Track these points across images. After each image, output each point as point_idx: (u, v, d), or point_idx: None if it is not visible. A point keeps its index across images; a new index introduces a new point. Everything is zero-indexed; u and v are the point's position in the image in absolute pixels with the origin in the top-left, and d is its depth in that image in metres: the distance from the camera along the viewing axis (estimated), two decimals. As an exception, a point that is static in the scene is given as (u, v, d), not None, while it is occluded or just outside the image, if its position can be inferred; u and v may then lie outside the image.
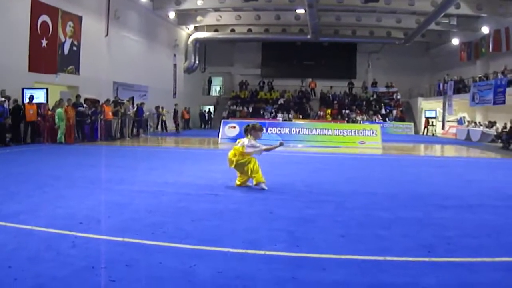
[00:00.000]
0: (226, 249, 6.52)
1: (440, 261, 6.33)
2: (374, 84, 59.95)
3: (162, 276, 5.50)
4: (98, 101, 29.91)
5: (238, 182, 12.36)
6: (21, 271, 5.52)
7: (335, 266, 6.02)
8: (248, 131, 12.55)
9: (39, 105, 25.82)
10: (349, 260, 6.27)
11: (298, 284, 5.36)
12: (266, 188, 11.82)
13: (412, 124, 53.19)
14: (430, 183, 13.96)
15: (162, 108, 43.12)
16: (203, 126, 57.06)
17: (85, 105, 28.74)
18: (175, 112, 45.82)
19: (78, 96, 29.08)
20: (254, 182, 12.06)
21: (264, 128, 13.21)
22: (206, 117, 58.49)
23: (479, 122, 41.93)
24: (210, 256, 6.29)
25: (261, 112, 54.69)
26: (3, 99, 23.90)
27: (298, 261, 6.18)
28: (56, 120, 25.66)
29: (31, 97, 25.20)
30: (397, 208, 9.87)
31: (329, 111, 54.23)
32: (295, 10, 46.90)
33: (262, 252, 6.47)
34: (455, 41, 49.18)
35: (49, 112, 26.24)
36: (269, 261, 6.13)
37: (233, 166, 12.37)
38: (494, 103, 37.21)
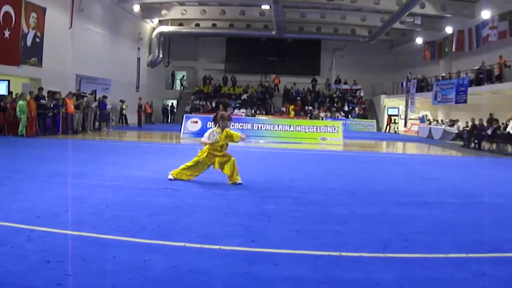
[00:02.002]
0: (181, 244, 6.56)
1: (395, 256, 6.44)
2: (338, 81, 60.15)
3: (117, 270, 5.52)
4: (59, 93, 29.59)
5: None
6: (-26, 265, 5.50)
7: (289, 261, 6.09)
8: (216, 120, 12.43)
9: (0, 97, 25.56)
10: (303, 255, 6.36)
11: (251, 279, 5.42)
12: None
13: (375, 121, 53.79)
14: (389, 180, 14.17)
15: (123, 101, 42.92)
16: (165, 120, 56.81)
17: (46, 98, 28.45)
18: (139, 106, 45.55)
19: (40, 89, 28.73)
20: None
21: (232, 118, 13.03)
22: (169, 112, 58.22)
23: (441, 121, 42.39)
24: (165, 250, 6.32)
25: (227, 107, 54.54)
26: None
27: (252, 256, 6.24)
28: (18, 113, 25.39)
29: (-10, 89, 24.97)
30: (354, 204, 10.00)
31: (292, 107, 54.35)
32: (260, 6, 46.95)
33: (217, 247, 6.51)
34: (419, 40, 49.66)
35: (11, 105, 25.95)
36: (224, 256, 6.18)
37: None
38: (456, 102, 37.64)
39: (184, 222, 7.84)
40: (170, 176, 12.17)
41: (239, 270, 5.66)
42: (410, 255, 6.52)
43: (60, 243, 6.46)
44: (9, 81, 26.67)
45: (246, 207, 9.20)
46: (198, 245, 6.54)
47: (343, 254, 6.41)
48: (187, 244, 6.55)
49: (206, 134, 12.32)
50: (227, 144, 12.38)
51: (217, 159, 12.22)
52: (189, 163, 12.28)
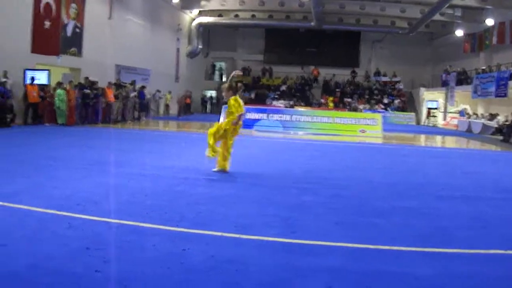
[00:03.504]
0: (219, 233, 6.57)
1: (434, 251, 6.36)
2: (377, 73, 59.68)
3: (155, 258, 5.55)
4: (96, 82, 29.80)
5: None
6: (16, 250, 5.58)
7: (328, 253, 6.08)
8: (238, 89, 12.55)
9: (41, 86, 25.80)
10: (342, 248, 6.31)
11: (290, 270, 5.40)
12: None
13: (414, 114, 53.14)
14: (428, 174, 14.00)
15: (170, 92, 43.37)
16: (204, 111, 56.89)
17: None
18: (184, 96, 45.86)
19: (86, 78, 29.06)
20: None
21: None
22: (208, 102, 58.32)
23: (481, 114, 41.82)
24: (203, 239, 6.34)
25: (264, 99, 54.49)
26: (4, 79, 23.91)
27: (291, 247, 6.22)
28: (56, 102, 25.64)
29: (32, 78, 25.18)
30: (393, 197, 9.93)
31: (331, 99, 54.04)
32: (300, -3, 46.79)
33: (255, 237, 6.51)
34: (459, 33, 48.64)
35: (50, 93, 26.18)
36: (262, 246, 6.19)
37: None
38: (496, 95, 37.14)
39: (222, 212, 7.86)
40: (214, 169, 12.07)
41: (277, 261, 5.65)
42: (450, 250, 6.43)
43: (100, 231, 6.53)
44: (49, 71, 26.87)
45: (284, 198, 9.19)
46: (236, 235, 6.54)
47: (382, 247, 6.36)
48: (225, 234, 6.56)
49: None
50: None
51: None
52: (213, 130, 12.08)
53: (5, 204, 7.74)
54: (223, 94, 12.68)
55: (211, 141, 11.91)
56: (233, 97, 12.07)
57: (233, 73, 12.72)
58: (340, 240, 6.56)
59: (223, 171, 11.98)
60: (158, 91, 41.65)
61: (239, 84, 12.71)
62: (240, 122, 12.20)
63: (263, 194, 9.50)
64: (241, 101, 12.20)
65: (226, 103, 12.58)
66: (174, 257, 5.61)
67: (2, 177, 10.04)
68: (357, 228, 7.30)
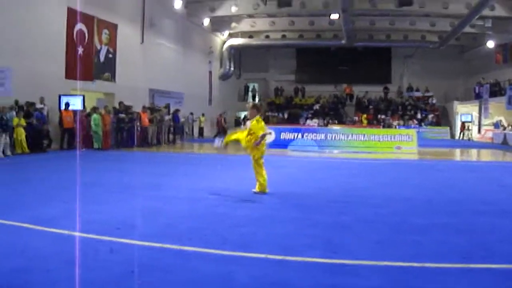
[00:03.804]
0: (263, 255, 6.51)
1: (477, 267, 6.25)
2: (410, 88, 59.36)
3: (201, 281, 5.53)
4: (131, 107, 30.08)
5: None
6: (60, 275, 5.60)
7: (371, 273, 6.00)
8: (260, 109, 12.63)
9: (75, 111, 26.06)
10: (384, 267, 6.24)
11: (335, 291, 5.33)
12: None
13: (448, 128, 52.63)
14: (466, 189, 13.86)
15: (203, 114, 43.65)
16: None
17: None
18: (223, 119, 46.21)
19: (120, 103, 29.35)
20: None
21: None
22: (242, 123, 58.33)
23: (517, 126, 41.43)
24: (248, 261, 6.30)
25: (297, 118, 54.44)
26: (41, 105, 24.21)
27: (334, 268, 6.17)
28: (92, 126, 25.89)
29: (67, 104, 25.48)
30: (433, 213, 9.80)
31: (364, 116, 53.81)
32: (329, 16, 46.58)
33: (299, 258, 6.44)
34: (490, 44, 48.13)
35: (86, 119, 26.47)
36: (306, 268, 6.12)
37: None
38: (531, 105, 36.76)
39: (264, 234, 7.81)
40: (255, 190, 12.07)
41: (322, 282, 5.60)
42: (493, 266, 6.31)
43: (142, 254, 6.51)
44: (84, 96, 27.15)
45: (324, 218, 9.10)
46: (280, 257, 6.47)
47: (425, 265, 6.27)
48: (269, 256, 6.49)
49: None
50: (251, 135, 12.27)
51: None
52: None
53: (46, 229, 7.84)
54: (248, 113, 12.66)
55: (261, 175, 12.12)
56: (256, 117, 12.16)
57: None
58: (383, 259, 6.48)
59: (263, 192, 11.94)
60: (191, 114, 41.84)
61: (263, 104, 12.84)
62: (263, 142, 12.19)
63: (303, 214, 9.43)
64: (263, 123, 12.31)
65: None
66: (220, 280, 5.58)
67: (42, 202, 10.17)
68: (398, 246, 7.22)
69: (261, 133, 11.93)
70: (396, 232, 8.14)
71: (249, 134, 12.19)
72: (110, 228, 7.91)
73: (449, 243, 7.40)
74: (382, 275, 5.90)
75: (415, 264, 6.28)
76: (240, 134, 12.57)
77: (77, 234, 7.47)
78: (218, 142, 12.87)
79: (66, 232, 7.61)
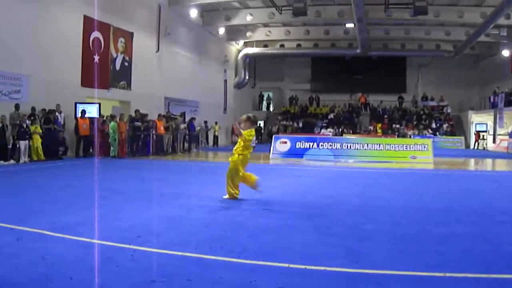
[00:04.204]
0: (285, 265, 6.47)
1: (501, 277, 6.18)
2: (424, 97, 59.28)
3: (223, 290, 5.48)
4: (146, 115, 30.21)
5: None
6: (82, 283, 5.58)
7: (395, 283, 5.93)
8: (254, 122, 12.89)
9: (91, 119, 26.19)
10: (408, 276, 6.17)
11: (359, 300, 5.31)
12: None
13: (463, 138, 52.47)
14: (484, 198, 13.74)
15: (216, 123, 43.79)
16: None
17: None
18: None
19: (136, 111, 29.48)
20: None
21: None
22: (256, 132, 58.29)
23: (532, 135, 41.21)
24: (270, 271, 6.25)
25: (312, 127, 54.42)
26: (56, 113, 24.37)
27: (358, 277, 6.11)
28: (111, 134, 26.05)
29: (83, 112, 25.63)
30: (452, 223, 9.72)
31: (379, 125, 53.74)
32: (344, 25, 46.63)
33: (321, 268, 6.38)
34: (506, 53, 47.78)
35: (105, 126, 26.64)
36: (329, 277, 6.07)
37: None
38: (547, 115, 36.59)
39: (285, 243, 7.76)
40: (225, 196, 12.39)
41: (346, 292, 5.55)
42: (516, 276, 6.25)
43: (164, 263, 6.49)
44: (99, 104, 27.29)
45: (345, 227, 9.06)
46: (302, 266, 6.43)
47: (448, 274, 6.19)
48: (291, 265, 6.45)
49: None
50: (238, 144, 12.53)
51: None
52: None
53: (66, 236, 7.83)
54: (241, 125, 12.67)
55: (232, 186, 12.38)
56: (249, 130, 12.39)
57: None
58: (406, 269, 6.42)
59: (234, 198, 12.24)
60: (205, 122, 41.91)
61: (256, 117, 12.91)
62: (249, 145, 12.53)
63: (322, 223, 9.38)
64: (253, 133, 12.70)
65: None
66: (243, 289, 5.53)
67: (61, 210, 10.20)
68: (420, 255, 7.14)
69: (246, 138, 12.26)
70: (417, 241, 8.06)
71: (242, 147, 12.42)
72: (131, 236, 7.90)
73: (471, 253, 7.32)
74: (406, 285, 5.85)
75: (438, 274, 6.21)
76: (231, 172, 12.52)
77: (98, 241, 7.48)
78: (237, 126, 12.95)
79: (86, 239, 7.62)
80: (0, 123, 21.37)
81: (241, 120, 12.79)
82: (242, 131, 12.25)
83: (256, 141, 35.54)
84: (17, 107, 22.53)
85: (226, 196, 12.31)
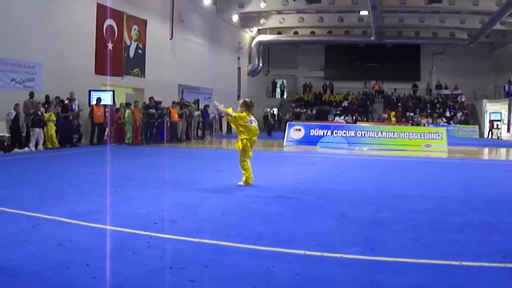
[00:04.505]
0: (301, 252, 6.48)
1: (517, 267, 6.15)
2: (438, 86, 58.99)
3: (240, 277, 5.50)
4: (160, 102, 30.24)
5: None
6: (99, 270, 5.59)
7: (412, 270, 5.93)
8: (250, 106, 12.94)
9: (105, 107, 26.23)
10: (424, 264, 6.17)
11: (376, 287, 5.30)
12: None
13: (477, 127, 52.23)
14: (499, 188, 13.67)
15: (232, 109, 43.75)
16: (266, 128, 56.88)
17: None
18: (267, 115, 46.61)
19: (151, 99, 29.50)
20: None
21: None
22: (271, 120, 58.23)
23: (546, 124, 40.93)
24: (286, 258, 6.25)
25: (326, 115, 54.26)
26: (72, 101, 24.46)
27: (374, 265, 6.11)
28: (126, 121, 26.14)
29: (99, 99, 25.67)
30: (468, 212, 9.68)
31: (393, 113, 53.41)
32: (358, 12, 46.53)
33: (338, 255, 6.39)
34: (521, 41, 47.86)
35: (120, 114, 26.68)
36: (346, 264, 6.07)
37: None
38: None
39: (301, 230, 7.77)
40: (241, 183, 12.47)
41: (363, 279, 5.54)
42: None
43: (181, 250, 6.53)
44: (113, 92, 27.31)
45: (361, 215, 9.06)
46: (319, 253, 6.44)
47: (464, 263, 6.17)
48: (308, 252, 6.46)
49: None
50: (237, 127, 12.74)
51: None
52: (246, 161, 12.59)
53: (82, 223, 7.88)
54: (238, 109, 13.00)
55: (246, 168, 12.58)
56: (245, 112, 12.64)
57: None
58: (422, 257, 6.41)
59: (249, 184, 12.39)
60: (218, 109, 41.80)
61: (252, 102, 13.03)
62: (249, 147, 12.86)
63: (338, 211, 9.39)
64: (246, 117, 12.76)
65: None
66: (259, 276, 5.54)
67: (77, 196, 10.26)
68: (436, 244, 7.13)
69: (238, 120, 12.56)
70: (433, 230, 8.05)
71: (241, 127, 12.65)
72: (147, 223, 7.92)
73: (487, 242, 7.30)
74: (422, 273, 5.84)
75: (455, 263, 6.19)
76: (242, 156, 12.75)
77: (114, 228, 7.52)
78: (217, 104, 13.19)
79: (102, 226, 7.66)
80: (15, 111, 21.44)
81: (239, 104, 13.11)
82: (227, 110, 12.84)
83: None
84: (31, 95, 22.55)
85: (241, 183, 12.39)
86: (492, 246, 7.10)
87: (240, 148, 12.57)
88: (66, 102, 24.52)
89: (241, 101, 13.15)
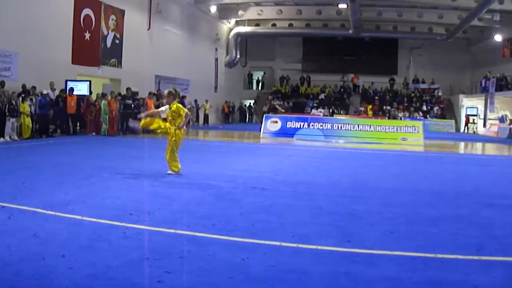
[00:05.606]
0: (277, 243, 6.51)
1: (491, 259, 6.24)
2: (416, 80, 59.26)
3: (216, 268, 5.51)
4: (136, 93, 30.17)
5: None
6: (75, 260, 5.57)
7: (387, 262, 5.99)
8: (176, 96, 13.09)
9: (81, 97, 26.08)
10: (399, 256, 6.23)
11: (351, 279, 5.33)
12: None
13: (453, 121, 52.51)
14: (474, 181, 13.82)
15: (207, 101, 43.94)
16: (243, 120, 56.96)
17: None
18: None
19: (128, 89, 29.39)
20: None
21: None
22: (247, 112, 58.39)
23: (522, 120, 41.26)
24: (262, 249, 6.28)
25: (303, 107, 54.37)
26: (45, 91, 24.21)
27: (349, 257, 6.15)
28: (102, 112, 26.01)
29: (71, 89, 25.47)
30: (443, 205, 9.80)
31: (370, 107, 53.60)
32: (337, 5, 46.47)
33: (313, 246, 6.44)
34: (498, 37, 47.75)
35: (97, 104, 26.54)
36: (321, 256, 6.12)
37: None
38: (538, 101, 36.62)
39: (277, 222, 7.80)
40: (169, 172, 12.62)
41: (338, 270, 5.59)
42: (506, 259, 6.33)
43: (156, 240, 6.53)
44: (90, 82, 27.20)
45: (337, 207, 9.11)
46: (294, 245, 6.48)
47: (439, 256, 6.24)
48: (283, 244, 6.49)
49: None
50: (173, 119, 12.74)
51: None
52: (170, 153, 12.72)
53: (58, 213, 7.83)
54: (165, 100, 13.37)
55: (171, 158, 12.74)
56: (174, 103, 12.75)
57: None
58: (397, 249, 6.48)
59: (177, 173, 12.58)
60: (195, 101, 41.86)
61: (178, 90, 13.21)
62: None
63: (314, 203, 9.42)
64: (181, 106, 13.03)
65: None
66: (235, 267, 5.56)
67: (52, 187, 10.19)
68: (411, 236, 7.21)
69: (182, 114, 12.70)
70: (408, 222, 8.13)
71: (169, 119, 12.73)
72: (123, 214, 7.91)
73: (462, 235, 7.38)
74: (397, 265, 5.89)
75: (429, 255, 6.26)
76: (157, 122, 12.87)
77: (89, 219, 7.50)
78: (133, 124, 13.43)
79: (78, 217, 7.62)
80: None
81: (164, 95, 13.79)
82: (179, 112, 12.72)
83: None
84: (1, 84, 22.21)
85: (170, 172, 12.58)
86: (467, 238, 7.18)
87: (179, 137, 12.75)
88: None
89: (166, 91, 13.31)
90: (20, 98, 22.27)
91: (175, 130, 12.53)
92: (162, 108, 13.10)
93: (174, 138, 12.54)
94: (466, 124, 50.08)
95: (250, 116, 57.80)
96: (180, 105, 12.82)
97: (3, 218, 7.49)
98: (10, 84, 22.65)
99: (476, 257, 6.27)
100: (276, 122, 30.77)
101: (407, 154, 22.93)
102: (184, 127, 12.74)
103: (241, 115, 57.09)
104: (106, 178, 11.69)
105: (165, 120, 12.77)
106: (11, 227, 7.01)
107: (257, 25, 53.84)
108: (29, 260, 5.60)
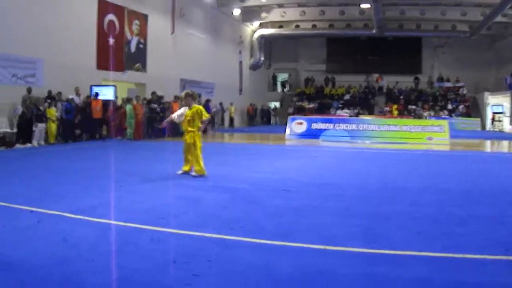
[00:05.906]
0: (304, 245, 6.51)
1: (519, 259, 6.16)
2: (440, 79, 58.85)
3: (244, 270, 5.54)
4: (162, 97, 30.32)
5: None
6: (104, 264, 5.63)
7: (413, 263, 5.97)
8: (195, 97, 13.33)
9: (106, 102, 26.21)
10: (426, 257, 6.19)
11: (378, 281, 5.33)
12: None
13: (479, 119, 52.02)
14: (502, 180, 13.65)
15: (232, 104, 44.11)
16: (268, 122, 56.87)
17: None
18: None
19: (153, 93, 29.58)
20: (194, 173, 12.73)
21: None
22: (272, 113, 58.30)
23: (548, 117, 40.82)
24: (289, 251, 6.30)
25: (328, 108, 54.23)
26: (70, 96, 24.38)
27: (376, 258, 6.15)
28: (128, 116, 26.12)
29: (96, 94, 25.62)
30: (470, 205, 9.73)
31: (395, 106, 53.27)
32: (360, 5, 46.49)
33: (340, 248, 6.43)
34: (523, 33, 47.67)
35: (122, 109, 26.66)
36: (348, 257, 6.11)
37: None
38: None
39: (304, 223, 7.81)
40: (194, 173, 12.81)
41: (365, 272, 5.59)
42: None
43: (184, 244, 6.56)
44: (115, 86, 27.35)
45: (364, 209, 9.08)
46: (322, 247, 6.46)
47: (466, 256, 6.19)
48: (310, 246, 6.49)
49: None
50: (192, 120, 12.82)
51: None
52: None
53: (86, 218, 7.91)
54: (183, 102, 13.36)
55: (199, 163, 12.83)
56: (198, 105, 13.06)
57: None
58: (424, 250, 6.43)
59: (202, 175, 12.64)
60: (220, 103, 41.93)
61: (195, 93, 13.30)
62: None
63: (341, 204, 9.41)
64: (202, 108, 13.17)
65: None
66: (262, 269, 5.59)
67: (80, 192, 10.27)
68: (439, 237, 7.16)
69: (204, 118, 12.82)
70: (435, 223, 8.07)
71: (188, 119, 12.85)
72: (152, 217, 7.96)
73: (490, 235, 7.31)
74: (424, 266, 5.86)
75: (457, 255, 6.21)
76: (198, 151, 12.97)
77: (118, 223, 7.55)
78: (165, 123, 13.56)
79: (106, 221, 7.69)
80: (21, 107, 21.46)
81: (181, 97, 13.62)
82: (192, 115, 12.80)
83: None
84: (29, 90, 22.45)
85: (194, 173, 12.74)
86: (495, 239, 7.10)
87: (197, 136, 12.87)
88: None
89: (184, 93, 13.31)
90: (47, 103, 22.47)
91: (194, 132, 12.68)
92: (178, 112, 13.14)
93: (192, 141, 12.73)
94: (492, 122, 49.55)
95: (275, 118, 57.66)
96: (203, 109, 12.91)
97: (33, 222, 7.58)
98: (36, 90, 22.87)
99: (504, 257, 6.21)
100: (301, 123, 30.75)
101: (433, 153, 22.78)
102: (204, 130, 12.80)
103: (263, 117, 56.95)
104: (132, 182, 11.74)
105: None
106: (41, 231, 7.10)
107: (281, 26, 53.75)
108: (58, 264, 5.67)
